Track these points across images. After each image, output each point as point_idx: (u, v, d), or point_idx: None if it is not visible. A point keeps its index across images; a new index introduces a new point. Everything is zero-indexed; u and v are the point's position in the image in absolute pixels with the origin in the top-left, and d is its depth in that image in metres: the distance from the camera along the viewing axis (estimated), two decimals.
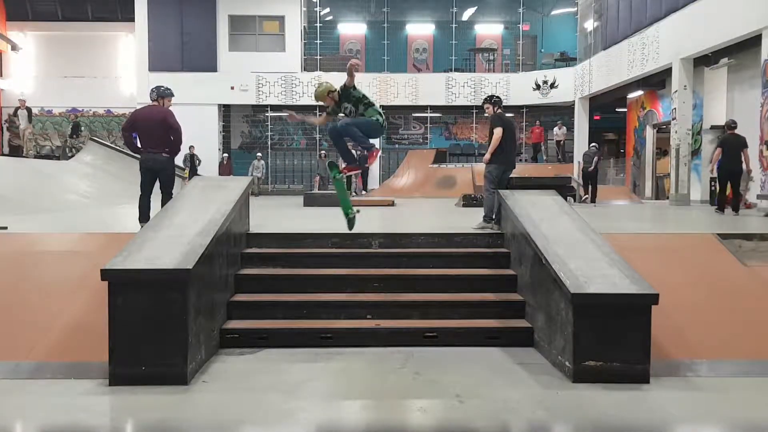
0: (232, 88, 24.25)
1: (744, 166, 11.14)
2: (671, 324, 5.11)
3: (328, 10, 26.59)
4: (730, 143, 11.05)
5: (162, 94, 7.65)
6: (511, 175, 8.17)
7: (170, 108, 7.69)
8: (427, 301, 5.93)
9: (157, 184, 7.59)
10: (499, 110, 7.94)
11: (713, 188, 14.49)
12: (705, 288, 5.86)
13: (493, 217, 7.40)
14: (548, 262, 5.11)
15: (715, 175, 11.51)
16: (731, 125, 11.44)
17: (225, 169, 21.97)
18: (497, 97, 8.11)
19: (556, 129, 23.56)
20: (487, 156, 7.70)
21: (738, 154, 10.97)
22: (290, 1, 24.54)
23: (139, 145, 7.64)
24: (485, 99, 8.11)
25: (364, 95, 6.77)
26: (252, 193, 19.82)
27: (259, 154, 23.49)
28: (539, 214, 6.23)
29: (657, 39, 16.32)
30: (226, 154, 23.19)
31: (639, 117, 21.05)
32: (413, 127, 26.91)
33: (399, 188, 20.99)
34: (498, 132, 7.61)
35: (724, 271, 6.17)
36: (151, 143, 7.42)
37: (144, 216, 7.40)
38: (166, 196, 7.40)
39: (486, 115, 8.15)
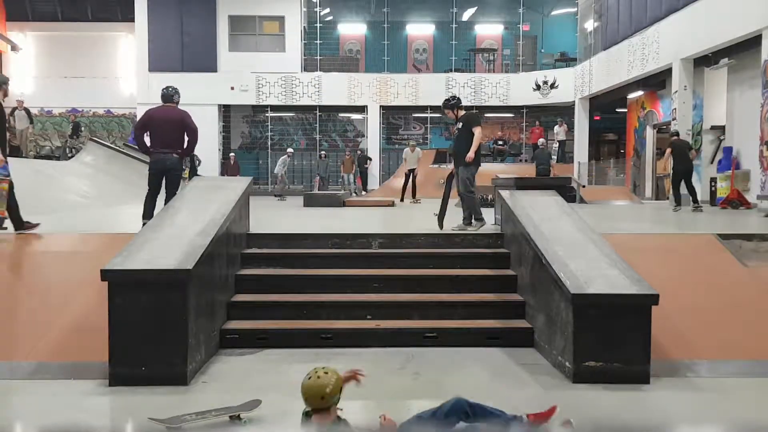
0: (232, 88, 24.23)
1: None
2: (671, 324, 5.10)
3: (328, 10, 26.58)
4: (679, 146, 12.61)
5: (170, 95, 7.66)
6: (511, 176, 8.17)
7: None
8: (427, 302, 5.93)
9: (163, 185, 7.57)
10: (463, 111, 7.80)
11: (713, 188, 14.52)
12: (705, 288, 5.85)
13: (482, 216, 7.41)
14: (548, 263, 5.11)
15: (665, 174, 13.62)
16: (675, 133, 13.44)
17: (233, 169, 21.79)
18: (454, 98, 7.94)
19: (557, 127, 23.46)
20: (471, 154, 7.46)
21: (686, 155, 12.51)
22: (290, 2, 24.53)
23: (148, 144, 7.61)
24: (444, 104, 7.89)
25: None
26: (275, 194, 19.12)
27: (290, 149, 21.46)
28: (539, 215, 6.23)
29: (657, 39, 16.31)
30: (233, 154, 23.10)
31: (639, 117, 21.04)
32: (413, 127, 26.90)
33: (399, 188, 20.95)
34: (479, 131, 7.50)
35: (724, 271, 6.17)
36: (164, 143, 7.40)
37: (148, 214, 7.37)
38: (171, 197, 7.39)
39: (450, 118, 7.93)
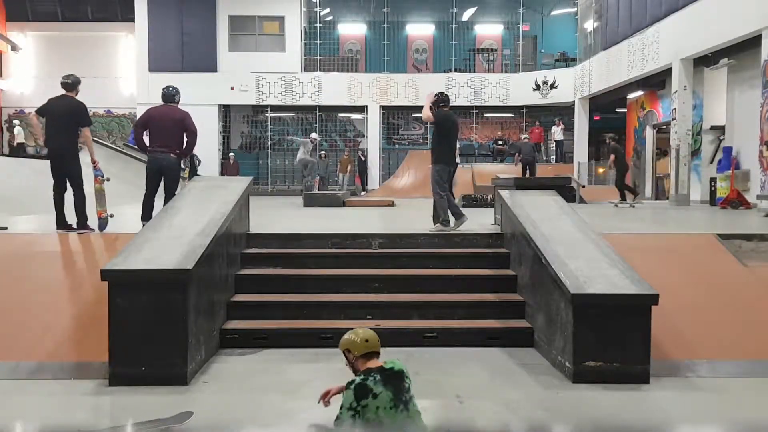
0: (232, 88, 24.23)
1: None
2: (671, 324, 5.11)
3: (328, 10, 26.59)
4: (620, 151, 15.34)
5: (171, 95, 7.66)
6: (511, 176, 8.10)
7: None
8: (427, 302, 5.93)
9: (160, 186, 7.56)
10: (446, 108, 7.63)
11: (713, 188, 14.53)
12: (705, 288, 5.85)
13: (448, 218, 7.29)
14: (548, 263, 5.11)
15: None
16: (614, 138, 16.22)
17: (232, 169, 21.77)
18: (442, 94, 7.75)
19: (554, 127, 23.50)
20: (426, 110, 7.44)
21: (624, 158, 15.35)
22: (290, 2, 24.53)
23: (147, 143, 7.59)
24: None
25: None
26: (303, 190, 18.84)
27: (314, 135, 20.04)
28: (539, 215, 6.23)
29: (657, 39, 16.31)
30: (232, 154, 23.09)
31: (639, 117, 21.04)
32: (413, 127, 26.90)
33: (399, 188, 20.97)
34: (428, 114, 7.44)
35: (724, 271, 6.17)
36: (163, 143, 7.39)
37: (147, 215, 7.38)
38: (170, 197, 7.38)
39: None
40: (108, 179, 7.64)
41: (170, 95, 7.65)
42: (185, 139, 7.54)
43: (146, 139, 7.57)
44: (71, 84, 7.45)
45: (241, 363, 5.01)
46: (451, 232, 7.17)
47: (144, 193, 7.52)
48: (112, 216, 7.44)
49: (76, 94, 7.35)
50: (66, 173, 7.24)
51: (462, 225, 7.32)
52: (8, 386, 4.48)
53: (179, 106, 7.70)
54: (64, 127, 7.23)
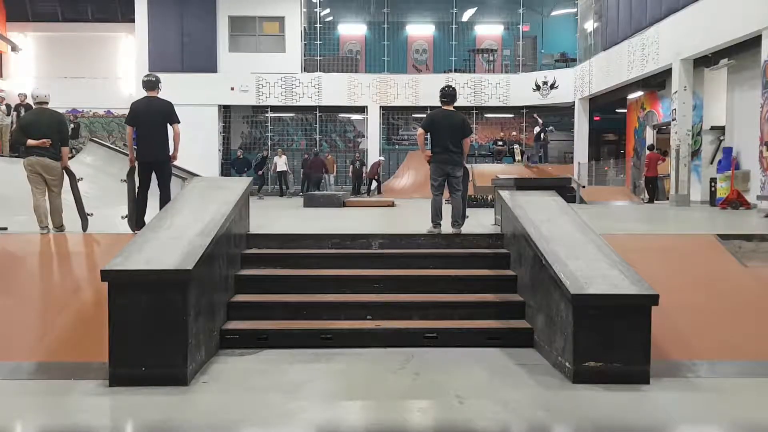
0: (232, 89, 24.23)
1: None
2: (671, 325, 5.11)
3: (328, 11, 26.60)
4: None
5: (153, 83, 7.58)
6: (511, 176, 8.03)
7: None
8: (427, 302, 5.93)
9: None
10: (446, 105, 7.40)
11: (713, 189, 14.55)
12: (705, 289, 5.86)
13: (439, 221, 7.16)
14: (548, 263, 5.11)
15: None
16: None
17: (241, 163, 21.74)
18: (441, 90, 7.54)
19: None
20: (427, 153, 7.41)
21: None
22: (290, 2, 24.54)
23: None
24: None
25: None
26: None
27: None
28: (539, 215, 6.23)
29: (657, 40, 16.31)
30: (240, 150, 23.07)
31: (639, 118, 21.05)
32: (413, 127, 26.90)
33: (399, 189, 21.00)
34: (418, 131, 7.48)
35: (724, 271, 6.17)
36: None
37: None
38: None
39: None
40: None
41: (154, 83, 7.47)
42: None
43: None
44: (154, 82, 7.41)
45: (241, 363, 5.01)
46: (452, 232, 7.14)
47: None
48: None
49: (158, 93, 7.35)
50: (158, 175, 7.29)
51: (429, 232, 7.11)
52: (8, 386, 4.49)
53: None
54: (158, 130, 7.20)
